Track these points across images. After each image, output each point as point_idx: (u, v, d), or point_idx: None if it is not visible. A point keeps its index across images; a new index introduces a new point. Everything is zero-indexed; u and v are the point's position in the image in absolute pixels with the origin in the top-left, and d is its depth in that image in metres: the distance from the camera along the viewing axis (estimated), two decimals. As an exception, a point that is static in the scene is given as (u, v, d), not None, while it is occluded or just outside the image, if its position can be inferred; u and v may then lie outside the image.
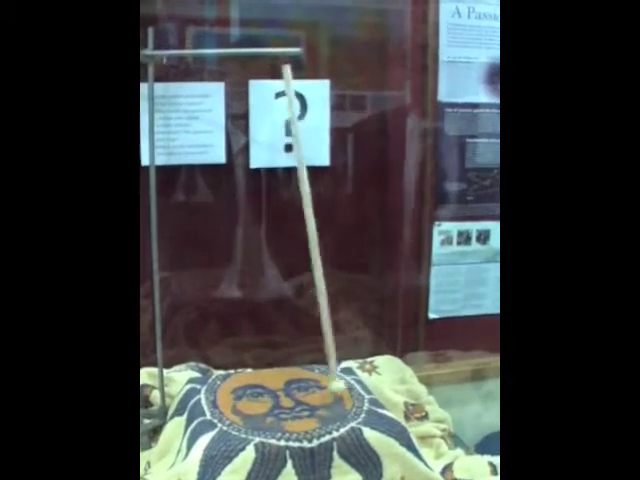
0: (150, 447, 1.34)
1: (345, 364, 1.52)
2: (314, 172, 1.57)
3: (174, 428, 1.29)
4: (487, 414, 1.71)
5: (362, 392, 1.34)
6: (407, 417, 1.44)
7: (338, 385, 1.28)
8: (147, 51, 1.32)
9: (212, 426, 1.19)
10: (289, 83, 1.26)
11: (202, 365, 1.56)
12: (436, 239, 1.73)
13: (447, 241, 1.74)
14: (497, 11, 1.61)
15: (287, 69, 1.25)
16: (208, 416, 1.23)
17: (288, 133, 1.53)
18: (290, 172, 1.55)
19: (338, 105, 1.60)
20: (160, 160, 1.42)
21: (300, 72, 1.27)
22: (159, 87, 1.41)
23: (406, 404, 1.48)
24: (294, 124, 1.28)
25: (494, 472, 1.26)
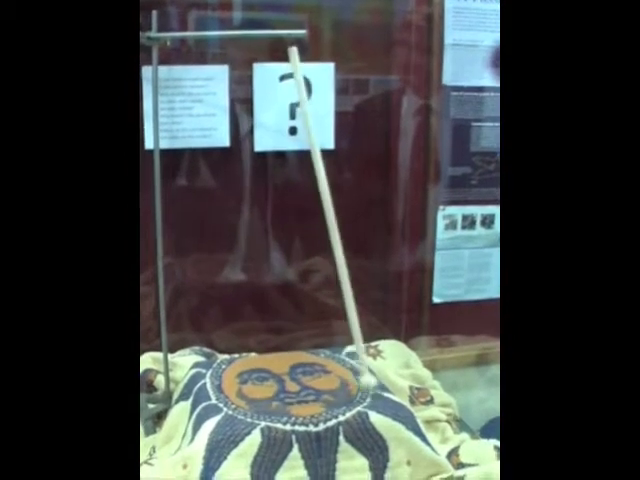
0: (155, 432, 1.34)
1: (350, 348, 1.51)
2: (319, 155, 1.57)
3: (179, 413, 1.29)
4: (492, 398, 1.70)
5: (368, 376, 1.34)
6: (412, 401, 1.44)
7: (369, 381, 1.25)
8: (151, 34, 1.31)
9: (218, 410, 1.19)
10: (296, 65, 1.24)
11: (206, 349, 1.56)
12: (440, 223, 1.72)
13: (451, 225, 1.73)
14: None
15: (294, 51, 1.24)
16: (213, 400, 1.22)
17: (292, 116, 1.52)
18: (295, 155, 1.55)
19: (342, 89, 1.59)
20: (164, 144, 1.41)
21: (303, 55, 1.26)
22: (163, 70, 1.40)
23: (411, 388, 1.48)
24: (304, 107, 1.26)
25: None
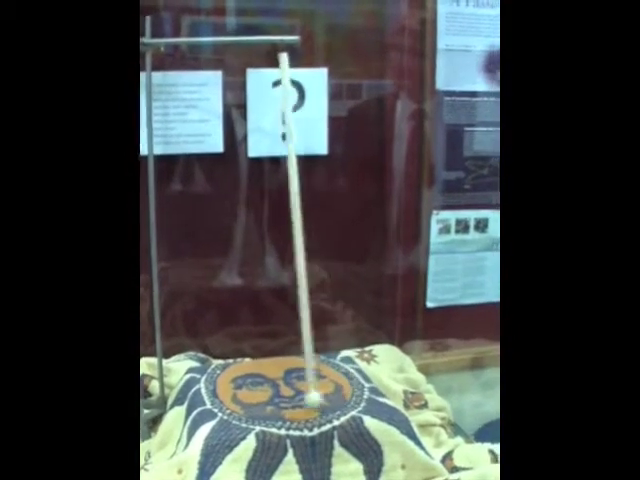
0: (150, 437, 1.34)
1: (344, 353, 1.52)
2: (312, 161, 1.58)
3: (174, 418, 1.29)
4: (486, 402, 1.71)
5: (362, 381, 1.34)
6: (406, 406, 1.44)
7: (314, 398, 1.18)
8: (145, 39, 1.31)
9: (212, 415, 1.19)
10: (285, 71, 1.25)
11: (201, 354, 1.56)
12: (434, 228, 1.73)
13: (445, 230, 1.74)
14: (496, -1, 1.61)
15: (284, 57, 1.25)
16: (208, 405, 1.22)
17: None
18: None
19: (336, 94, 1.59)
20: (158, 149, 1.41)
21: (296, 60, 1.27)
22: (157, 76, 1.40)
23: (405, 392, 1.48)
24: (288, 114, 1.27)
25: (494, 460, 1.26)
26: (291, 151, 1.23)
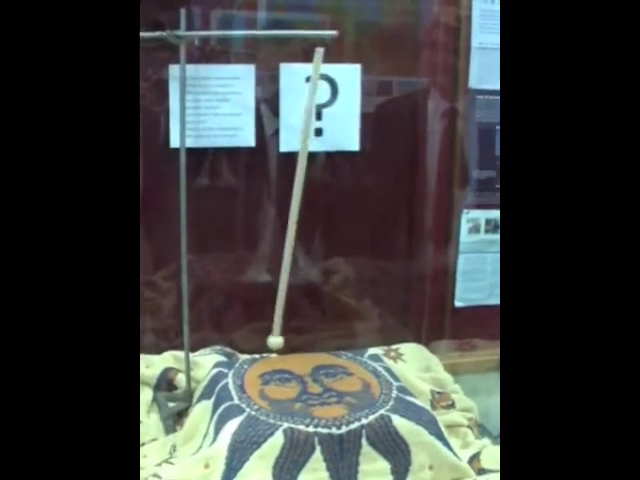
0: (175, 431, 1.34)
1: (371, 351, 1.51)
2: (343, 157, 1.57)
3: (201, 412, 1.29)
4: (513, 404, 1.69)
5: (390, 379, 1.34)
6: (433, 405, 1.44)
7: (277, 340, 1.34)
8: (179, 32, 1.31)
9: (240, 411, 1.19)
10: (318, 66, 1.25)
11: (227, 349, 1.56)
12: (464, 227, 1.72)
13: (475, 229, 1.72)
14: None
15: (319, 52, 1.24)
16: (236, 400, 1.22)
17: (319, 117, 1.52)
18: (320, 156, 1.55)
19: (369, 90, 1.59)
20: (189, 142, 1.41)
21: (327, 56, 1.26)
22: (189, 69, 1.40)
23: (432, 392, 1.47)
24: (311, 109, 1.27)
25: (522, 463, 1.25)
26: (303, 152, 1.26)
